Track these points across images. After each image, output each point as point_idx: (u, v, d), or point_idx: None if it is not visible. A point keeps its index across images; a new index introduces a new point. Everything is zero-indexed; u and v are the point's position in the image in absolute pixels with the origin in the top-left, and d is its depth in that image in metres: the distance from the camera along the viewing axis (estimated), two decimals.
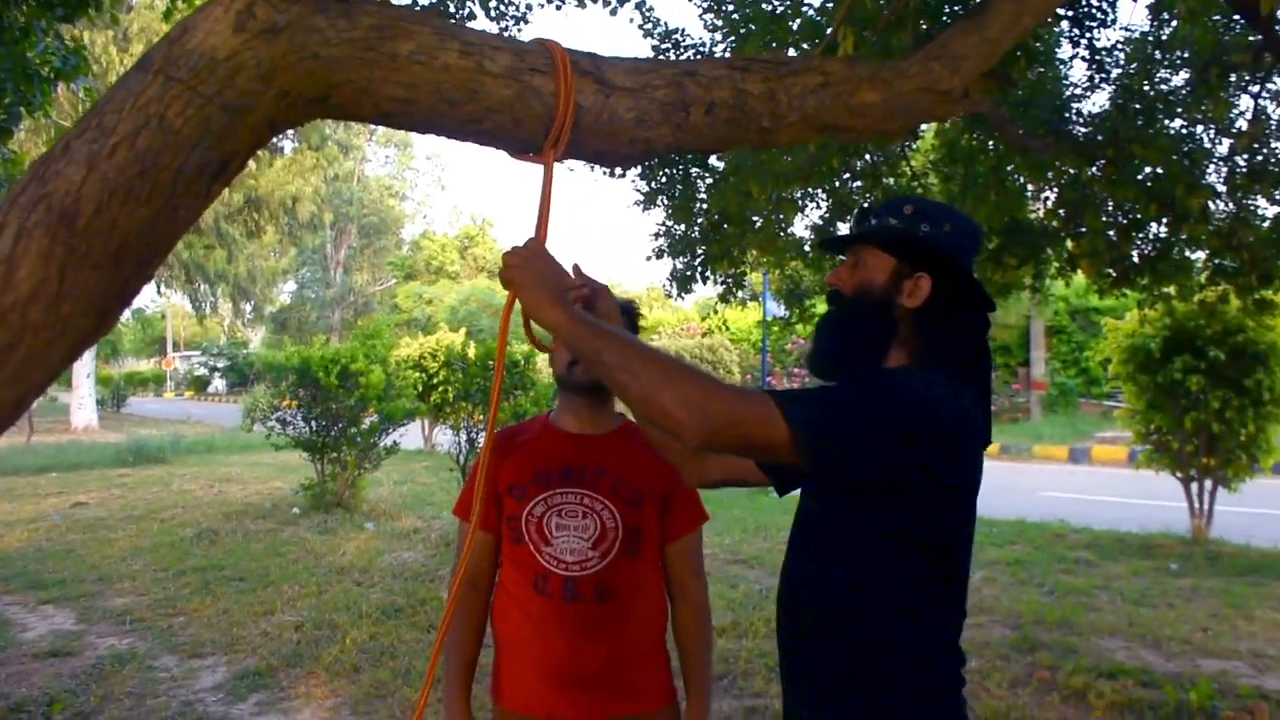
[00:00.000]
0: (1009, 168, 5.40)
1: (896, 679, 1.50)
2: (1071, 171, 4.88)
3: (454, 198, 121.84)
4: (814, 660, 1.58)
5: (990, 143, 5.39)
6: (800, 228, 7.03)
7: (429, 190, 75.01)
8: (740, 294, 7.06)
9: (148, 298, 53.54)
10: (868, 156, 5.81)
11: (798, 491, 1.78)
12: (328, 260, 50.97)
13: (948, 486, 1.49)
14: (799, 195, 6.02)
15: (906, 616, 1.50)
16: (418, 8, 4.19)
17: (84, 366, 25.20)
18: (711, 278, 5.99)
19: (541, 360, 10.44)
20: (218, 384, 48.92)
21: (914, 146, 5.71)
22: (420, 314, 40.91)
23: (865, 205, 1.81)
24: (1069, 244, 5.79)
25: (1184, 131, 5.00)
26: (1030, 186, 5.69)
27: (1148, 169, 4.82)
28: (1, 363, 1.29)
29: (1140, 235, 5.57)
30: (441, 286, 46.60)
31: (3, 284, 1.26)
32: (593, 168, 5.31)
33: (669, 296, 6.59)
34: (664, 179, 5.57)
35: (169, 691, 4.94)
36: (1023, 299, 9.47)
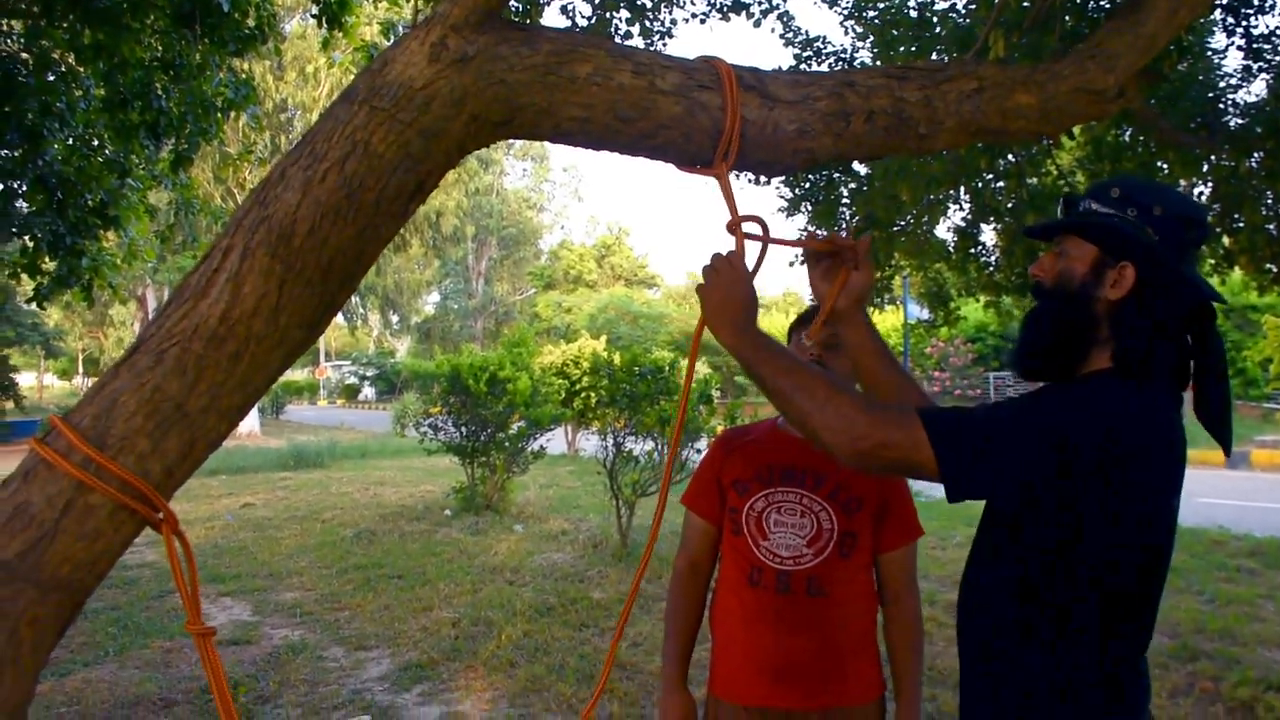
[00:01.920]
0: (1159, 164, 5.20)
1: (1069, 695, 1.47)
2: (1228, 164, 4.66)
3: (591, 208, 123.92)
4: (987, 672, 1.58)
5: (1139, 139, 5.21)
6: (943, 229, 6.92)
7: (566, 201, 76.34)
8: (883, 297, 6.99)
9: None
10: (1011, 156, 5.68)
11: None
12: (470, 271, 52.55)
13: (1124, 511, 1.42)
14: (944, 198, 5.93)
15: (1080, 634, 1.46)
16: (577, 30, 4.34)
17: None
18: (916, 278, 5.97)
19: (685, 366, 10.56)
20: (367, 392, 50.92)
21: (1060, 145, 5.55)
22: (560, 322, 41.70)
23: (1068, 196, 1.76)
24: (1225, 240, 5.53)
25: None
26: (1183, 181, 5.46)
27: None
28: (230, 369, 1.44)
29: None
30: (580, 295, 47.36)
31: (232, 298, 1.41)
32: (738, 175, 5.37)
33: (811, 303, 6.58)
34: (808, 184, 5.58)
35: (339, 680, 5.22)
36: None
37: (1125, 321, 1.51)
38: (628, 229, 67.87)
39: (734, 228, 1.67)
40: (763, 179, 5.11)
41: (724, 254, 1.65)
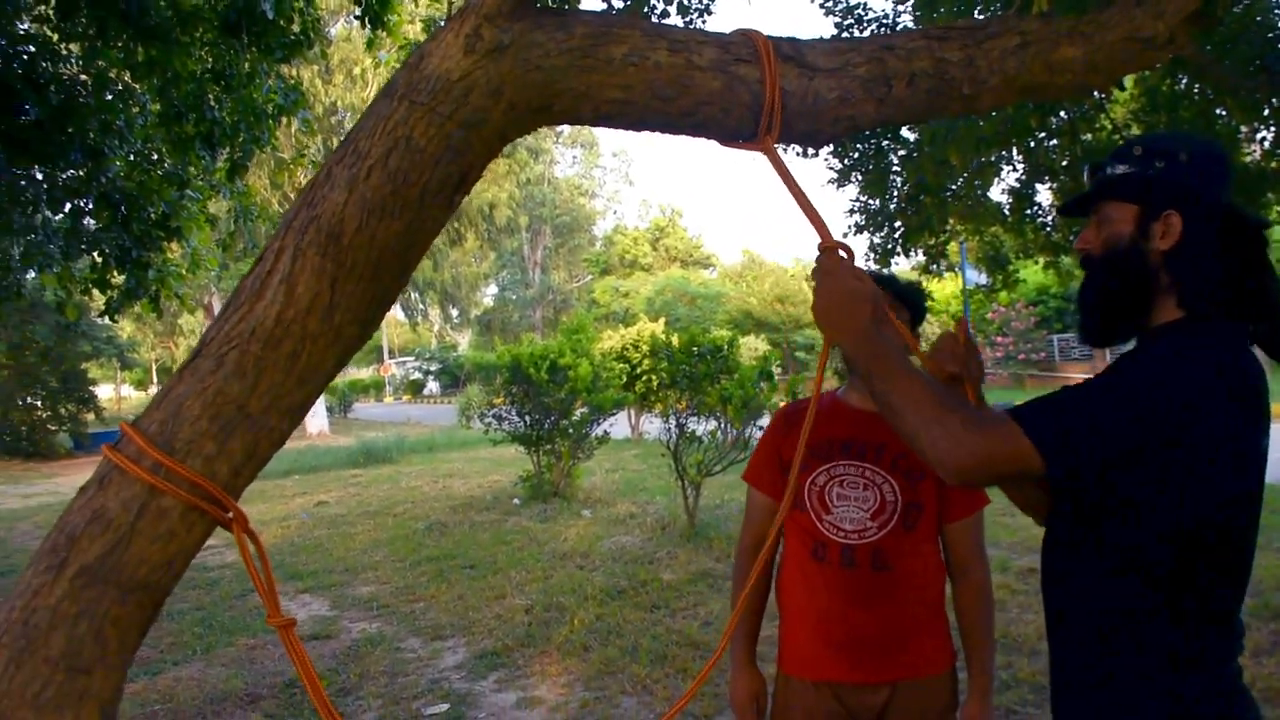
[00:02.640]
0: (1218, 110, 5.03)
1: (1169, 653, 1.46)
2: None
3: (642, 191, 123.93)
4: (1071, 636, 1.57)
5: (1195, 86, 5.05)
6: (997, 192, 6.78)
7: (617, 186, 76.68)
8: (940, 264, 6.88)
9: None
10: (1063, 114, 5.53)
11: None
12: (525, 261, 52.90)
13: (1217, 459, 1.41)
14: (995, 159, 5.81)
15: (1180, 591, 1.45)
16: (613, 11, 4.32)
17: None
18: (912, 250, 5.87)
19: (744, 344, 10.55)
20: (432, 386, 51.57)
21: (1113, 98, 5.39)
22: (618, 307, 41.85)
23: (1092, 164, 1.73)
24: None
25: None
26: (1243, 129, 5.28)
27: None
28: (289, 368, 1.46)
29: None
30: (636, 279, 47.46)
31: (286, 299, 1.43)
32: (785, 147, 5.29)
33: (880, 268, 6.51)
34: (856, 154, 5.50)
35: (416, 670, 5.32)
36: None
37: (1184, 266, 1.51)
38: (680, 210, 67.77)
39: (829, 249, 1.58)
40: (810, 151, 5.06)
41: (835, 250, 1.56)
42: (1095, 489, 1.47)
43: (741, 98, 1.58)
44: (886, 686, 2.17)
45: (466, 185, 1.53)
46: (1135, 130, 5.52)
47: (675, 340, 8.55)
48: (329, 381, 1.58)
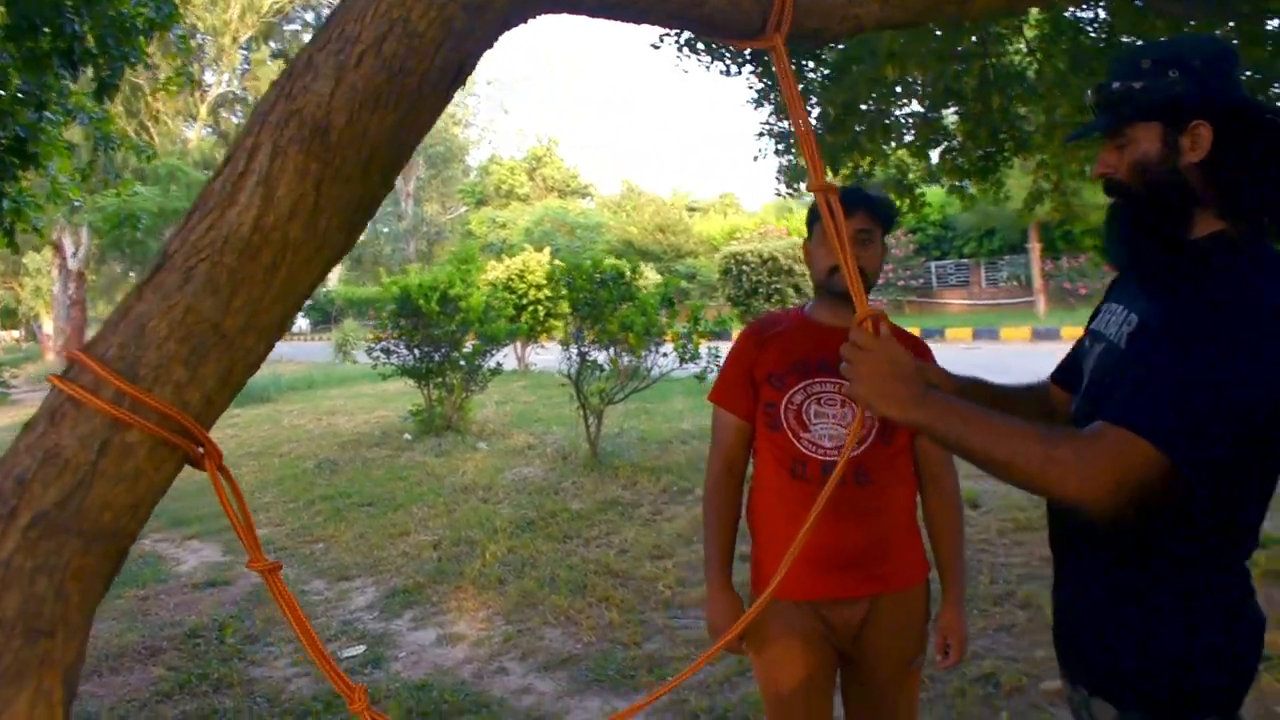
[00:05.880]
0: (1122, 37, 5.13)
1: (1197, 595, 1.43)
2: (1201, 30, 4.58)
3: (518, 121, 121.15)
4: (1095, 572, 1.54)
5: (1097, 14, 5.15)
6: (902, 116, 6.79)
7: (492, 115, 74.67)
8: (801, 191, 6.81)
9: None
10: (974, 37, 5.55)
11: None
12: (398, 193, 51.29)
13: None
14: (902, 82, 5.81)
15: (1218, 527, 1.41)
16: None
17: None
18: (843, 169, 5.83)
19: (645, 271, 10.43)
20: (301, 323, 49.92)
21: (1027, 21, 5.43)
22: (495, 238, 41.01)
23: (1097, 85, 1.65)
24: None
25: None
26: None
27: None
28: (268, 282, 1.29)
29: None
30: (514, 209, 46.59)
31: (264, 203, 1.25)
32: (709, 67, 5.19)
33: (779, 196, 6.47)
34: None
35: (325, 613, 5.14)
36: None
37: (1223, 174, 1.44)
38: (557, 140, 66.74)
39: (820, 190, 1.47)
40: (733, 70, 4.94)
41: (863, 328, 1.43)
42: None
43: None
44: (866, 600, 2.16)
45: (463, 76, 1.36)
46: (1039, 56, 5.57)
47: (566, 268, 8.37)
48: (307, 296, 1.41)
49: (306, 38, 32.50)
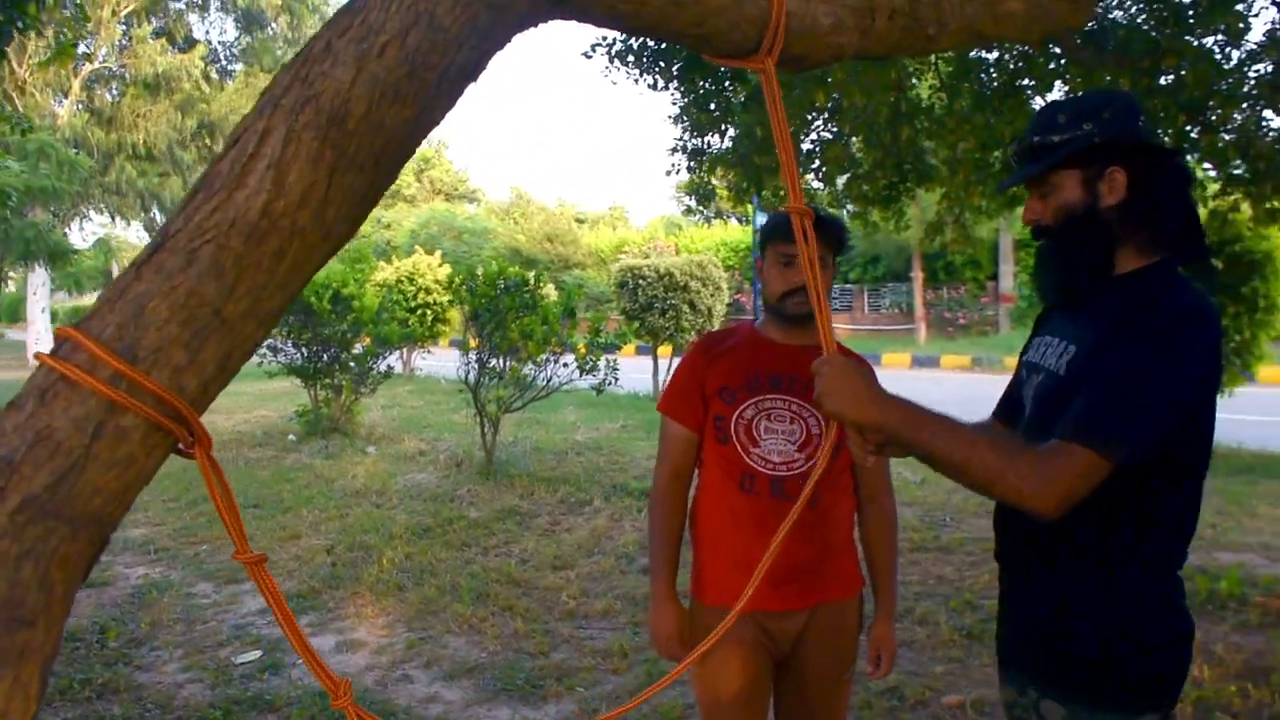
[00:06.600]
0: (1022, 81, 5.41)
1: (1145, 594, 1.57)
2: (1107, 81, 4.87)
3: None
4: (1030, 538, 1.65)
5: (1001, 54, 5.41)
6: (807, 143, 6.97)
7: None
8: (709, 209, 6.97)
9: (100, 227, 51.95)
10: (893, 74, 5.76)
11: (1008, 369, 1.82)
12: None
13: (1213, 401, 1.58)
14: (814, 111, 5.97)
15: (1154, 526, 1.57)
16: None
17: (39, 301, 24.36)
18: (767, 193, 5.93)
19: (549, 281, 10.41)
20: None
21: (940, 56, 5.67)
22: (379, 239, 40.21)
23: (1018, 141, 1.82)
24: None
25: (1207, 43, 5.01)
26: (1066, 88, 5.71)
27: (1173, 78, 4.84)
28: (273, 268, 1.27)
29: None
30: (399, 211, 45.78)
31: (275, 188, 1.23)
32: (638, 80, 5.23)
33: (689, 212, 6.56)
34: (701, 90, 5.46)
35: (215, 617, 4.96)
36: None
37: (1141, 214, 1.60)
38: (446, 142, 65.78)
39: (798, 213, 1.59)
40: (661, 85, 5.00)
41: (822, 358, 1.54)
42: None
43: (749, 13, 1.51)
44: (806, 611, 2.22)
45: (475, 74, 1.37)
46: (944, 96, 5.81)
47: (480, 272, 8.28)
48: (305, 285, 1.39)
49: (192, 19, 31.25)
